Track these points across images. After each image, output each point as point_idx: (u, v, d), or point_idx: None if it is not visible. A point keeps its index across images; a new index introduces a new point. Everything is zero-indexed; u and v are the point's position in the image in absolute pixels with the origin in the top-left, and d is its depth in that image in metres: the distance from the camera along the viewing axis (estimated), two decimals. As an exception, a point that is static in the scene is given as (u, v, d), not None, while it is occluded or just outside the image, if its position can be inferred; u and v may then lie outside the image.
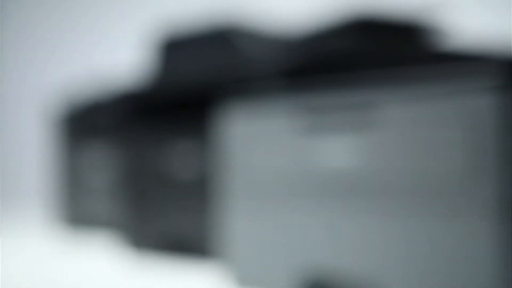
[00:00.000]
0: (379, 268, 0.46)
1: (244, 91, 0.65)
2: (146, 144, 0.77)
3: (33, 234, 1.14)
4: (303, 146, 0.51)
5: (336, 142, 0.49)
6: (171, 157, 0.74)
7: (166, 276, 0.66)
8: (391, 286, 0.45)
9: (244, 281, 0.55)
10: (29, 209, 1.66)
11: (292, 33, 0.70)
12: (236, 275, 0.56)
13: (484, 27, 0.99)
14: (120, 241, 0.80)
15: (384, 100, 0.46)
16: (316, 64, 0.62)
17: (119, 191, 0.80)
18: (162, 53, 0.77)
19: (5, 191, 1.80)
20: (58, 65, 1.76)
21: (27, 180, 1.79)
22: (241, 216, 0.56)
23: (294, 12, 1.07)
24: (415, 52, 0.65)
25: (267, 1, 1.26)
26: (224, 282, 0.59)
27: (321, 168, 0.50)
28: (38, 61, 1.80)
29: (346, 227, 0.48)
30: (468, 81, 0.42)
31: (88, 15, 1.72)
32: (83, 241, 1.00)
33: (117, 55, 1.59)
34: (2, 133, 1.84)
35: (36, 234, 1.13)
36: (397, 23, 0.67)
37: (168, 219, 0.74)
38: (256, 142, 0.55)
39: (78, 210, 1.05)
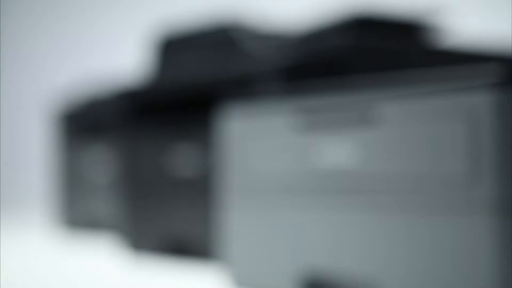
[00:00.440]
0: (379, 268, 0.46)
1: (245, 90, 0.65)
2: (146, 144, 0.77)
3: (33, 234, 1.14)
4: (303, 145, 0.51)
5: (336, 141, 0.49)
6: (172, 157, 0.74)
7: (166, 277, 0.66)
8: (390, 286, 0.45)
9: (244, 281, 0.55)
10: (29, 210, 1.66)
11: (292, 32, 0.70)
12: (235, 275, 0.56)
13: (484, 26, 0.99)
14: (120, 242, 0.80)
15: (383, 98, 0.46)
16: (315, 62, 0.62)
17: (120, 192, 0.80)
18: (162, 53, 0.77)
19: (5, 191, 1.80)
20: (59, 65, 1.76)
21: (27, 180, 1.79)
22: (241, 216, 0.56)
23: (293, 11, 1.07)
24: (414, 51, 0.65)
25: (267, 0, 1.26)
26: (223, 282, 0.59)
27: (321, 167, 0.50)
28: (38, 61, 1.80)
29: (346, 227, 0.48)
30: (468, 80, 0.42)
31: (90, 13, 1.72)
32: (83, 242, 1.00)
33: (117, 54, 1.58)
34: (2, 133, 1.84)
35: (36, 234, 1.13)
36: (396, 21, 0.67)
37: (169, 219, 0.74)
38: (256, 141, 0.55)
39: (78, 211, 1.05)
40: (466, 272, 0.41)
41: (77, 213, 1.05)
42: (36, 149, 1.70)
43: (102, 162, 1.01)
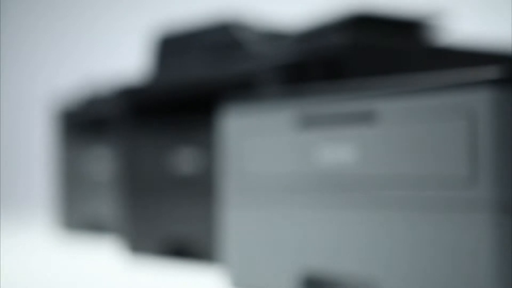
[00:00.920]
0: (379, 268, 0.46)
1: (245, 88, 0.65)
2: (147, 144, 0.77)
3: (32, 234, 1.14)
4: (303, 144, 0.51)
5: (335, 140, 0.49)
6: (173, 157, 0.74)
7: (166, 278, 0.66)
8: (390, 286, 0.45)
9: (242, 282, 0.55)
10: (29, 210, 1.66)
11: (291, 30, 0.70)
12: (234, 276, 0.56)
13: (484, 26, 0.99)
14: (120, 243, 0.79)
15: (383, 97, 0.46)
16: (314, 60, 0.62)
17: (119, 192, 0.80)
18: (162, 51, 0.77)
19: (5, 191, 1.80)
20: (59, 64, 1.76)
21: (27, 180, 1.79)
22: (240, 216, 0.56)
23: (293, 9, 1.07)
24: (413, 49, 0.65)
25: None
26: (223, 284, 0.59)
27: (321, 167, 0.50)
28: (38, 60, 1.80)
29: (345, 227, 0.48)
30: (467, 79, 0.41)
31: (91, 12, 1.72)
32: (83, 243, 1.00)
33: (118, 53, 1.58)
34: (2, 132, 1.84)
35: (36, 235, 1.12)
36: (395, 19, 0.67)
37: (169, 220, 0.74)
38: (255, 140, 0.54)
39: (78, 211, 1.05)
40: (466, 271, 0.41)
41: (77, 213, 1.05)
42: (36, 149, 1.70)
43: (102, 162, 1.01)
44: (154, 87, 0.76)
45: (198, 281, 0.61)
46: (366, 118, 0.47)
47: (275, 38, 0.70)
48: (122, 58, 1.52)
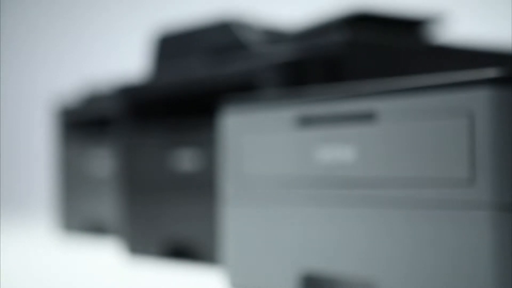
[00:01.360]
0: (378, 267, 0.46)
1: (245, 87, 0.65)
2: (147, 144, 0.77)
3: (32, 235, 1.14)
4: (302, 144, 0.51)
5: (335, 139, 0.49)
6: (173, 157, 0.74)
7: (166, 279, 0.66)
8: (390, 286, 0.45)
9: (241, 283, 0.55)
10: (29, 210, 1.66)
11: (290, 29, 0.70)
12: (232, 276, 0.56)
13: (484, 25, 0.99)
14: (120, 244, 0.79)
15: (381, 97, 0.45)
16: (313, 59, 0.62)
17: (119, 192, 0.80)
18: (162, 50, 0.77)
19: (5, 191, 1.80)
20: (58, 64, 1.76)
21: (27, 180, 1.79)
22: (239, 216, 0.56)
23: (293, 8, 1.07)
24: (412, 47, 0.65)
25: None
26: (223, 285, 0.59)
27: (321, 166, 0.50)
28: (38, 60, 1.80)
29: (345, 227, 0.48)
30: (467, 78, 0.41)
31: (91, 12, 1.72)
32: (83, 243, 1.00)
33: (118, 52, 1.59)
34: (2, 132, 1.84)
35: (36, 235, 1.12)
36: (394, 17, 0.67)
37: (169, 220, 0.74)
38: (255, 139, 0.54)
39: (78, 211, 1.05)
40: (465, 271, 0.41)
41: (77, 214, 1.05)
42: (36, 148, 1.70)
43: (102, 162, 1.01)
44: (154, 86, 0.76)
45: (198, 282, 0.61)
46: (365, 118, 0.47)
47: (275, 37, 0.70)
48: (122, 57, 1.52)
